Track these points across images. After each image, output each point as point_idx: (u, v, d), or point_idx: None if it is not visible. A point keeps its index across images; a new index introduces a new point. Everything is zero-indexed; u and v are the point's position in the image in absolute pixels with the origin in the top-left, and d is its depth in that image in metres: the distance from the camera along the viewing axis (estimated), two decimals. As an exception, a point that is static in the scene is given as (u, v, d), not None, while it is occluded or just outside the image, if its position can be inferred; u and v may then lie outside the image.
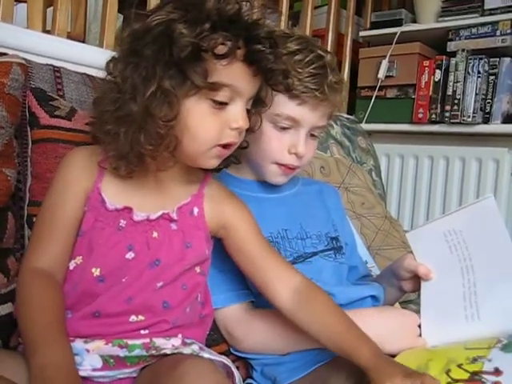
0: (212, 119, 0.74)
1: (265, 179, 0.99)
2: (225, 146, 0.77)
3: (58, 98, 0.91)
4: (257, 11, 0.77)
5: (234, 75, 0.73)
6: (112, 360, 0.71)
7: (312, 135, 0.96)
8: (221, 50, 0.70)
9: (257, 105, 0.84)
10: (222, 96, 0.73)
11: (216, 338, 0.94)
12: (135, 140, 0.72)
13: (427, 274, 0.92)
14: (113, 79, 0.75)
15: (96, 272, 0.74)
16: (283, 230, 0.98)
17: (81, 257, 0.75)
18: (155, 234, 0.77)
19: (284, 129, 0.93)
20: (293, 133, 0.93)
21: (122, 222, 0.76)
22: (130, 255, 0.75)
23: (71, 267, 0.75)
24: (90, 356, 0.70)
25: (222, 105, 0.74)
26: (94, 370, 0.71)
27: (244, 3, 0.75)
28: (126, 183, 0.78)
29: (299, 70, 0.89)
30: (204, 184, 0.85)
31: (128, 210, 0.77)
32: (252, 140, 0.91)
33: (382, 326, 0.88)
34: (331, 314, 0.81)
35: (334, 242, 1.03)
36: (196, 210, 0.82)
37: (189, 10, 0.71)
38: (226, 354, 0.91)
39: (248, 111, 0.80)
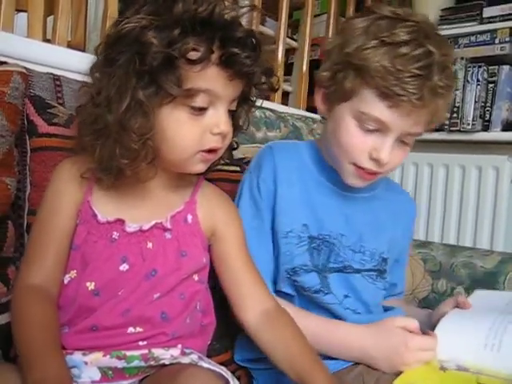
0: (191, 126, 0.72)
1: (341, 176, 0.91)
2: (209, 151, 0.75)
3: (56, 105, 0.90)
4: (232, 10, 0.72)
5: (210, 80, 0.70)
6: (111, 372, 0.71)
7: (403, 141, 0.86)
8: (193, 55, 0.68)
9: (243, 104, 0.81)
10: (199, 102, 0.71)
11: (218, 347, 0.93)
12: (111, 154, 0.71)
13: (465, 303, 0.90)
14: (88, 88, 0.74)
15: (91, 286, 0.73)
16: (340, 234, 0.93)
17: (75, 271, 0.74)
18: (149, 245, 0.76)
19: (369, 131, 0.83)
20: (379, 136, 0.83)
21: (115, 234, 0.75)
22: (124, 267, 0.74)
23: (66, 281, 0.74)
24: (88, 368, 0.70)
25: (201, 110, 0.72)
26: (93, 382, 0.70)
27: (218, 2, 0.70)
28: (116, 194, 0.77)
29: (399, 68, 0.77)
30: (197, 189, 0.84)
31: (120, 222, 0.76)
32: (333, 133, 0.87)
33: (371, 348, 0.84)
34: (295, 340, 0.79)
35: (383, 263, 0.97)
36: (190, 217, 0.81)
37: (160, 14, 0.68)
38: (228, 363, 0.90)
39: (235, 111, 0.79)
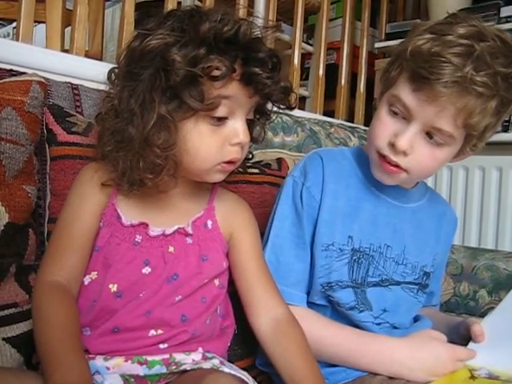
0: (211, 138, 0.74)
1: (372, 171, 0.89)
2: (229, 162, 0.77)
3: (75, 114, 0.91)
4: (257, 30, 0.74)
5: (231, 92, 0.72)
6: (132, 379, 0.71)
7: (434, 140, 0.80)
8: (216, 73, 0.69)
9: (261, 116, 0.83)
10: (220, 111, 0.72)
11: (240, 353, 0.93)
12: (134, 167, 0.72)
13: (477, 336, 0.86)
14: (111, 99, 0.75)
15: (113, 288, 0.74)
16: (385, 245, 0.91)
17: (96, 272, 0.75)
18: (171, 249, 0.77)
19: (396, 114, 0.82)
20: (403, 123, 0.81)
21: (138, 238, 0.76)
22: (146, 270, 0.75)
23: (86, 282, 0.75)
24: (111, 376, 0.70)
25: (221, 120, 0.73)
26: None
27: (243, 22, 0.72)
28: (140, 199, 0.79)
29: (433, 51, 0.74)
30: (213, 196, 0.85)
31: (144, 225, 0.77)
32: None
33: (408, 359, 0.83)
34: (301, 354, 0.79)
35: (425, 277, 0.95)
36: (210, 222, 0.82)
37: (185, 32, 0.70)
38: (250, 368, 0.90)
39: (251, 121, 0.80)
